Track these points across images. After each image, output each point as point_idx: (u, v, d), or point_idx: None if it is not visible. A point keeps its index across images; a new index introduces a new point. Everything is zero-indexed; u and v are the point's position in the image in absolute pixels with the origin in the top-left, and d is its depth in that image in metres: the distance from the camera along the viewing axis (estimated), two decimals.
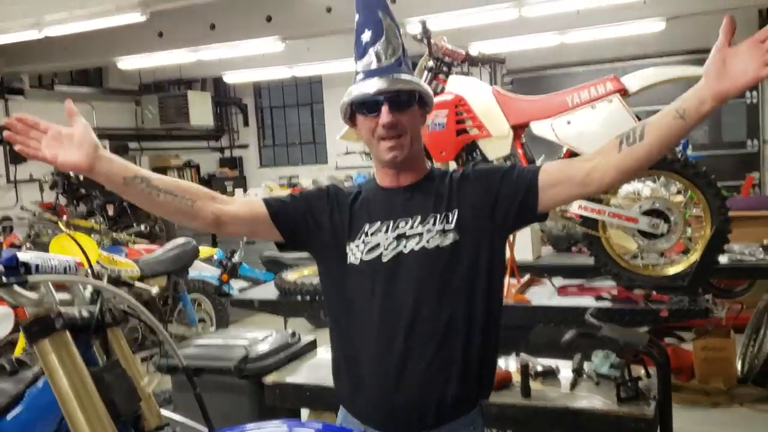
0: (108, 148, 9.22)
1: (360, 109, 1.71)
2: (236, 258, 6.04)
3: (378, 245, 1.68)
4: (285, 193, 9.32)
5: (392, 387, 1.66)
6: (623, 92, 3.16)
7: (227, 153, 13.33)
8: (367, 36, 1.73)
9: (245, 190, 11.33)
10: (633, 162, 1.57)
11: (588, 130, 3.22)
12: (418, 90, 1.71)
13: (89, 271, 1.28)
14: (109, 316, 1.22)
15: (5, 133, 1.52)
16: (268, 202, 1.76)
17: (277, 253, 5.74)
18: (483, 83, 3.47)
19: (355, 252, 1.70)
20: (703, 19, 8.17)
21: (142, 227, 7.56)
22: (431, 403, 1.65)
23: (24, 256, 1.13)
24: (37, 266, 1.14)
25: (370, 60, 1.71)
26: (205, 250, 5.70)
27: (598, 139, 3.24)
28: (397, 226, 1.69)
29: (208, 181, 12.28)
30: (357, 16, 1.78)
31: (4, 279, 1.06)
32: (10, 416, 1.16)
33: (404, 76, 1.70)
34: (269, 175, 12.50)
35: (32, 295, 1.10)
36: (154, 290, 1.51)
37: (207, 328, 5.35)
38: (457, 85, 3.47)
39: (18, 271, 1.10)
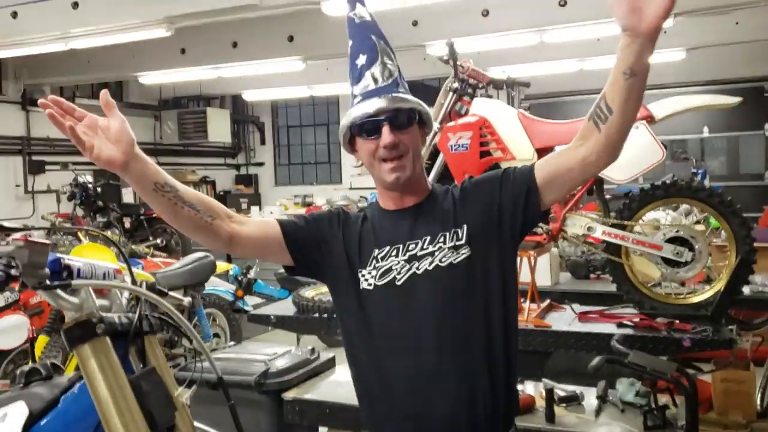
0: None
1: (360, 131, 1.69)
2: (251, 274, 6.04)
3: (390, 269, 1.66)
4: (300, 211, 9.42)
5: (424, 412, 1.62)
6: (650, 119, 3.16)
7: (243, 170, 13.41)
8: (362, 60, 1.72)
9: (260, 208, 11.37)
10: (617, 134, 1.55)
11: None
12: (418, 109, 1.69)
13: (129, 277, 1.28)
14: (146, 324, 1.22)
15: (48, 112, 1.45)
16: (283, 225, 1.72)
17: None
18: (508, 106, 3.47)
19: (368, 278, 1.67)
20: (723, 50, 8.20)
21: (159, 241, 7.58)
22: (465, 426, 1.62)
23: (67, 260, 1.13)
24: (79, 270, 1.14)
25: (367, 83, 1.70)
26: (221, 266, 5.70)
27: (623, 164, 3.23)
28: (408, 249, 1.66)
29: (224, 198, 12.36)
30: (350, 43, 1.77)
31: (48, 282, 1.06)
32: (44, 421, 1.15)
33: (403, 95, 1.69)
34: (284, 193, 12.57)
35: (74, 299, 1.10)
36: (187, 300, 1.51)
37: (221, 343, 5.33)
38: (482, 107, 3.47)
39: (61, 275, 1.10)
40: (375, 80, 1.69)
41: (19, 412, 1.16)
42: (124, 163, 1.43)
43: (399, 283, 1.64)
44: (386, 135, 1.63)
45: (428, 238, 1.66)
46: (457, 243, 1.65)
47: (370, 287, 1.66)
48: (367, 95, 1.68)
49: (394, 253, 1.66)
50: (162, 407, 1.11)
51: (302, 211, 9.95)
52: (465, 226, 1.67)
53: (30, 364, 1.26)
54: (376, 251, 1.68)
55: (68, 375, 1.25)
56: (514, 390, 1.72)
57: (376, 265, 1.67)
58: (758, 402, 4.64)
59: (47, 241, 1.09)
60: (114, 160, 1.43)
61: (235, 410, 1.28)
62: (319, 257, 1.72)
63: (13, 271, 1.01)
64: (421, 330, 1.63)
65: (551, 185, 1.64)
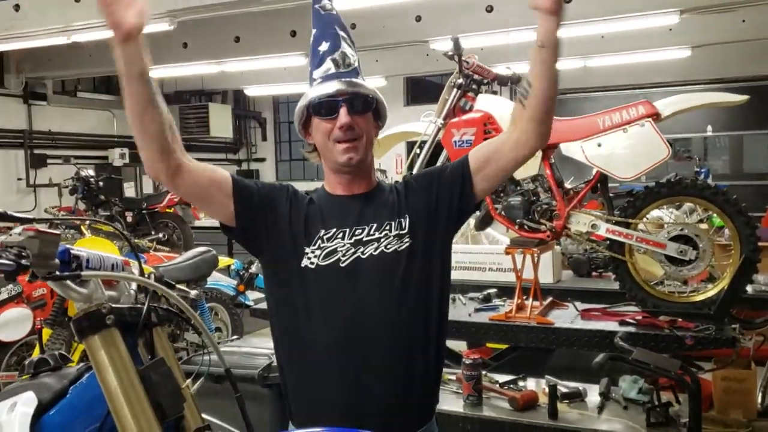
0: (128, 156, 9.30)
1: (317, 111, 1.71)
2: (253, 269, 6.04)
3: (335, 251, 1.67)
4: None
5: (355, 400, 1.63)
6: (655, 117, 3.16)
7: (244, 166, 13.43)
8: (324, 47, 1.75)
9: None
10: (539, 105, 1.65)
11: (619, 153, 3.22)
12: (376, 97, 1.73)
13: (137, 269, 1.28)
14: (154, 316, 1.22)
15: None
16: (235, 180, 1.71)
17: None
18: (512, 102, 3.46)
19: (311, 257, 1.67)
20: (728, 48, 8.19)
21: (161, 235, 7.59)
22: (397, 415, 1.64)
23: (76, 250, 1.13)
24: (88, 261, 1.14)
25: (328, 67, 1.73)
26: (222, 260, 5.70)
27: (628, 162, 3.24)
28: (354, 233, 1.69)
29: None
30: (313, 31, 1.80)
31: (58, 273, 1.06)
32: (53, 411, 1.16)
33: (362, 83, 1.74)
34: None
35: (83, 290, 1.10)
36: (194, 293, 1.50)
37: (223, 337, 5.34)
38: (486, 103, 3.47)
39: (70, 265, 1.10)
40: (336, 65, 1.73)
41: (28, 401, 1.16)
42: (128, 33, 1.43)
43: (343, 265, 1.66)
44: (343, 116, 1.66)
45: (375, 225, 1.70)
46: (401, 232, 1.70)
47: (312, 266, 1.66)
48: (327, 78, 1.72)
49: (340, 235, 1.69)
50: (171, 398, 1.11)
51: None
52: (407, 216, 1.72)
53: (38, 354, 1.27)
54: (323, 231, 1.69)
55: (76, 366, 1.26)
56: (438, 383, 1.78)
57: (321, 245, 1.68)
58: (759, 401, 4.64)
59: (57, 232, 1.09)
60: (122, 25, 1.43)
61: (243, 402, 1.28)
62: (262, 225, 1.71)
63: (23, 261, 1.02)
64: (361, 312, 1.64)
65: (485, 171, 1.73)
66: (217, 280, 5.77)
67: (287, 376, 1.73)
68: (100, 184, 8.09)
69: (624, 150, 3.21)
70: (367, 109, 1.72)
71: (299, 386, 1.69)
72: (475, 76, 3.52)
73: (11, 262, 1.02)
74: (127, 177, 10.04)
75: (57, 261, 1.06)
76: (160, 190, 9.46)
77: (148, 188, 10.19)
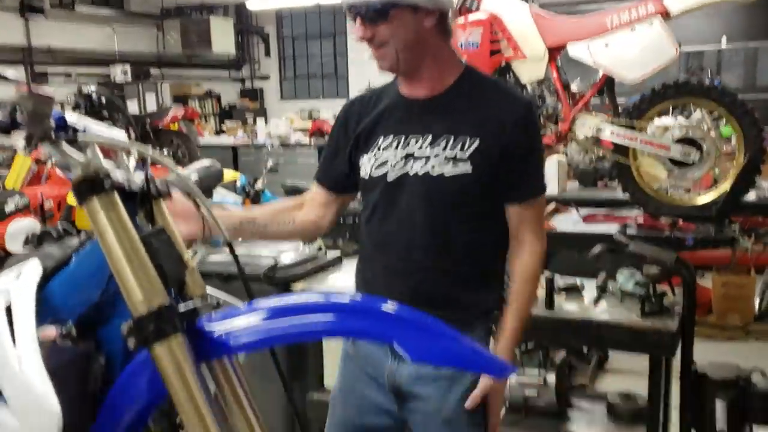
0: (129, 72, 9.13)
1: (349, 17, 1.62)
2: (259, 185, 6.04)
3: (386, 162, 1.62)
4: (306, 124, 9.26)
5: (391, 289, 1.59)
6: (665, 14, 3.08)
7: (248, 84, 13.25)
8: None
9: (266, 122, 11.25)
10: None
11: (626, 54, 3.15)
12: (390, 1, 1.52)
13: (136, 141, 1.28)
14: (154, 188, 1.23)
15: None
16: (322, 183, 1.80)
17: (299, 181, 5.71)
18: (520, 1, 3.38)
19: (366, 166, 1.65)
20: None
21: (165, 151, 7.57)
22: (437, 297, 1.63)
23: (72, 118, 1.13)
24: (84, 129, 1.14)
25: None
26: (228, 175, 5.69)
27: (635, 62, 3.17)
28: (408, 143, 1.61)
29: (229, 112, 12.19)
30: None
31: (53, 135, 1.06)
32: (57, 278, 1.18)
33: None
34: (290, 108, 12.43)
35: (80, 155, 1.10)
36: (194, 176, 1.51)
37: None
38: (493, 2, 3.39)
39: (67, 131, 1.09)
40: None
41: (33, 269, 1.19)
42: (201, 234, 1.51)
43: (390, 180, 1.62)
44: (357, 28, 1.57)
45: (430, 137, 1.59)
46: (459, 155, 1.56)
47: (366, 177, 1.66)
48: None
49: (395, 144, 1.62)
50: (173, 264, 1.13)
51: (309, 124, 9.82)
52: (477, 140, 1.57)
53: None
54: (381, 139, 1.65)
55: (80, 237, 1.28)
56: (495, 292, 1.70)
57: (376, 153, 1.64)
58: (757, 306, 4.72)
59: (51, 94, 1.09)
60: (193, 236, 1.51)
61: (244, 273, 1.31)
62: (355, 173, 1.73)
63: (18, 118, 1.01)
64: (396, 233, 1.63)
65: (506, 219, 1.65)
66: (222, 196, 5.77)
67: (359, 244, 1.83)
68: (102, 99, 8.02)
69: (631, 51, 3.15)
70: (384, 15, 1.52)
71: (359, 260, 1.78)
72: None
73: (5, 119, 1.02)
74: (129, 94, 9.94)
75: (53, 123, 1.07)
76: (163, 107, 9.39)
77: (151, 106, 10.10)
